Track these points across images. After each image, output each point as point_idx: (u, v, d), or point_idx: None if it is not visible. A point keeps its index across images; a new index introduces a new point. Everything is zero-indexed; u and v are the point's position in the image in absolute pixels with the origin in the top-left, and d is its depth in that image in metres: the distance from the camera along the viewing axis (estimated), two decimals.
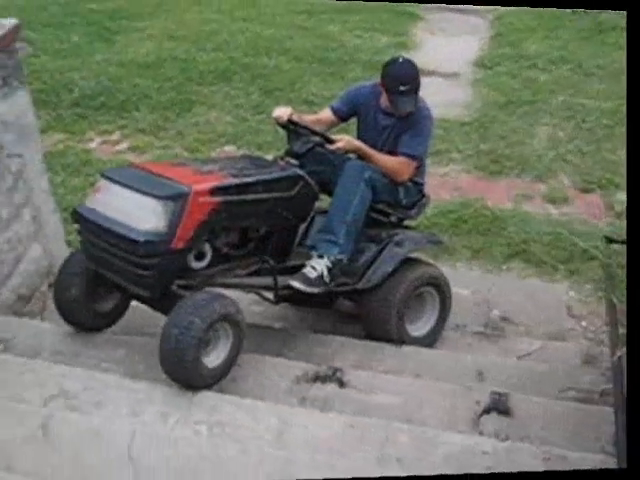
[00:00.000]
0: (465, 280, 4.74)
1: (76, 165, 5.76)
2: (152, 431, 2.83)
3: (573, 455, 2.88)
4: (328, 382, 3.38)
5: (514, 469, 2.80)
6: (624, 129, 6.41)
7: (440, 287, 4.01)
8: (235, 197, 3.25)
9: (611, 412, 2.93)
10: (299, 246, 3.81)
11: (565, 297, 4.63)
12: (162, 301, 3.19)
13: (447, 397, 3.34)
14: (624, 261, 4.48)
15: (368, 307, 3.84)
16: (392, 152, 3.80)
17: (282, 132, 6.11)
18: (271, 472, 2.63)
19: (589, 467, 2.80)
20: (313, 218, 3.90)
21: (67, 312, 3.51)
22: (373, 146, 3.83)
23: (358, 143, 3.74)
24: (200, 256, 3.30)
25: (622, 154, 5.92)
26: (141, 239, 3.00)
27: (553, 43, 8.44)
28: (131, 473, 2.58)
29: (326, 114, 3.99)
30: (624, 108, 6.72)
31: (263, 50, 7.98)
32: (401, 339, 3.83)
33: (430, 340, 4.01)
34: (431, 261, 4.39)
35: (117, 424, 2.86)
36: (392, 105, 3.72)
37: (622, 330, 3.33)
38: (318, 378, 3.40)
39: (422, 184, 4.01)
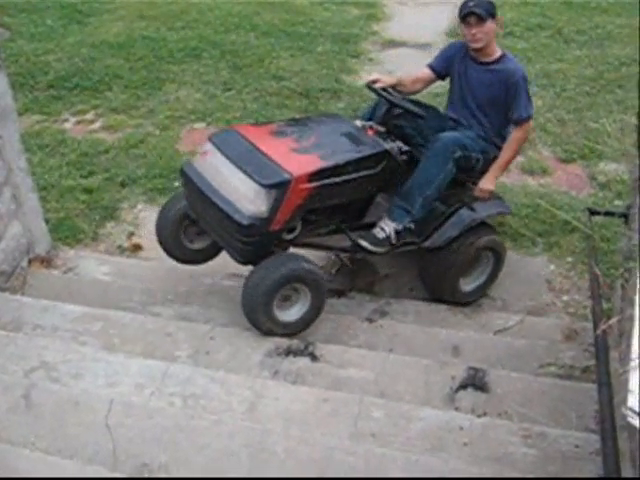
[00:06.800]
0: None
1: (52, 145, 5.77)
2: (128, 401, 2.90)
3: (554, 432, 2.82)
4: (300, 356, 3.38)
5: (491, 445, 2.78)
6: (607, 96, 6.27)
7: (498, 251, 4.11)
8: (328, 180, 3.42)
9: (593, 388, 2.85)
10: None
11: (544, 271, 4.50)
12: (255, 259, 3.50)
13: (421, 372, 3.30)
14: (608, 234, 4.39)
15: (428, 263, 4.02)
16: (482, 106, 3.89)
17: (251, 108, 6.13)
18: (245, 443, 2.65)
19: (570, 444, 2.75)
20: None
21: (165, 249, 3.96)
22: (463, 98, 3.95)
23: (491, 183, 3.87)
24: (292, 229, 3.55)
25: (605, 122, 5.74)
26: (244, 222, 3.27)
27: (531, 9, 8.25)
28: (109, 441, 2.64)
29: (424, 72, 4.08)
30: (608, 75, 6.58)
31: (232, 27, 7.86)
32: (452, 295, 4.05)
33: (475, 295, 4.17)
34: None
35: (95, 394, 2.95)
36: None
37: (606, 304, 3.21)
38: (290, 352, 3.40)
39: (499, 147, 3.95)
